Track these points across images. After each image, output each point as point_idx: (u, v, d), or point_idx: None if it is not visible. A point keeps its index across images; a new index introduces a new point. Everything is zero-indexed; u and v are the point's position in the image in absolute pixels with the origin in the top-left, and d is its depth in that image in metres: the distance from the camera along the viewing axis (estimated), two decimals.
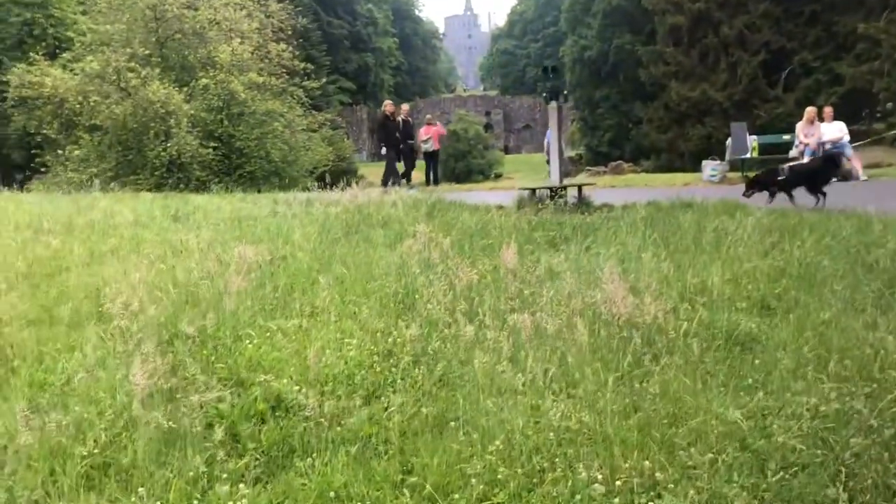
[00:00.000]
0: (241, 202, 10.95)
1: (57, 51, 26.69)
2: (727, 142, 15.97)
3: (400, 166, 19.77)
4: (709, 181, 15.33)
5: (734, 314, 4.82)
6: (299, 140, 26.19)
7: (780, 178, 10.61)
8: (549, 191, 10.11)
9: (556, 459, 3.19)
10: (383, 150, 16.23)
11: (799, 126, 15.69)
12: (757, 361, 4.13)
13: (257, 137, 22.90)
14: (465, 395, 3.82)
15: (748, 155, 16.11)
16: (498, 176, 63.26)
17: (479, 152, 48.87)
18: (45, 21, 29.81)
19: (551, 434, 3.37)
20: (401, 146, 17.92)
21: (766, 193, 10.44)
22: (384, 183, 16.31)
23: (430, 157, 19.61)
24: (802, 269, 5.75)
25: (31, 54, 24.36)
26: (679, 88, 37.67)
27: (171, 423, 3.42)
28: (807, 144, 15.06)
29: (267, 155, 23.00)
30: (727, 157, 16.57)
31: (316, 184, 25.19)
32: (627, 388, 3.79)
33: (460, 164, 45.12)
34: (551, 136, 10.36)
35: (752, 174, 11.84)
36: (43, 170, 23.73)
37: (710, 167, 15.49)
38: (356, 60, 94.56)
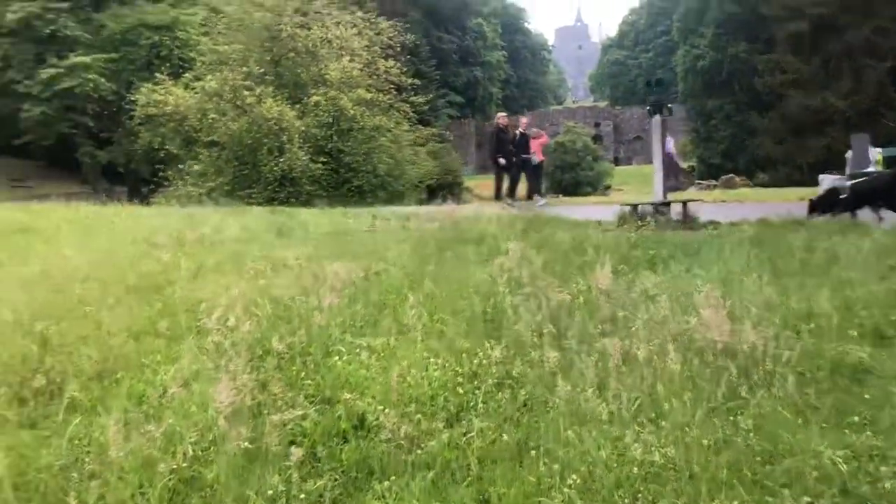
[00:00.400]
0: (343, 217, 11.20)
1: (181, 70, 28.28)
2: (847, 154, 15.01)
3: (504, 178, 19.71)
4: None
5: (843, 343, 4.49)
6: (405, 154, 26.68)
7: (841, 197, 10.04)
8: (651, 206, 9.82)
9: (639, 496, 3.06)
10: (502, 162, 15.83)
11: None
12: (867, 396, 3.83)
13: (365, 152, 23.46)
14: (547, 422, 3.73)
15: (872, 168, 15.09)
16: (607, 188, 62.27)
17: (587, 164, 48.27)
18: (171, 43, 31.69)
19: (635, 468, 3.23)
20: (513, 160, 17.46)
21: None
22: (496, 197, 16.13)
23: (535, 168, 19.47)
24: None
25: (157, 74, 25.97)
26: (798, 97, 36.00)
27: (251, 441, 3.49)
28: None
29: (374, 169, 23.51)
30: (847, 170, 15.58)
31: (423, 196, 25.72)
32: (719, 422, 3.59)
33: (568, 175, 44.65)
34: (655, 149, 10.08)
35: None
36: (166, 183, 25.19)
37: (827, 181, 14.61)
38: (465, 74, 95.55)
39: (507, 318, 5.19)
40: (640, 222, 9.17)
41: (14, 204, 17.07)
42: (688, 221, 9.35)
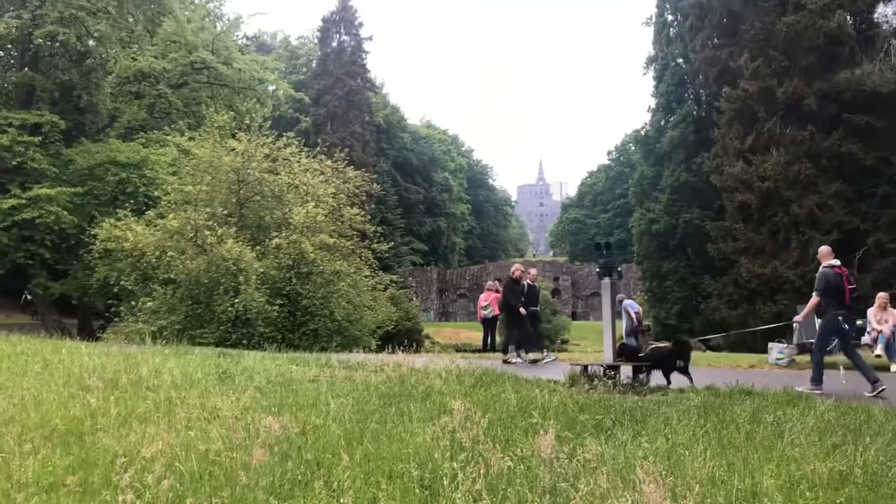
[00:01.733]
0: (290, 364, 10.94)
1: (145, 207, 28.42)
2: (794, 324, 15.34)
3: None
4: (775, 364, 14.64)
5: None
6: (364, 299, 26.66)
7: (640, 355, 11.11)
8: (601, 367, 9.79)
9: None
10: (522, 312, 15.61)
11: (870, 312, 15.08)
12: None
13: (323, 296, 23.39)
14: None
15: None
16: (564, 342, 62.61)
17: (545, 317, 48.70)
18: (138, 180, 31.99)
19: None
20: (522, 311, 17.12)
21: None
22: (504, 350, 15.87)
23: (490, 323, 19.49)
24: (868, 476, 5.23)
25: (120, 210, 26.06)
26: (749, 265, 37.25)
27: None
28: (880, 331, 14.41)
29: (331, 314, 23.34)
30: (795, 339, 15.90)
31: (379, 342, 25.45)
32: None
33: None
34: (604, 314, 10.19)
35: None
36: (117, 319, 24.60)
37: (776, 349, 14.84)
38: (430, 224, 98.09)
39: (444, 485, 4.97)
40: (588, 384, 9.10)
41: None
42: (638, 385, 9.31)
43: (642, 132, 62.35)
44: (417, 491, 5.01)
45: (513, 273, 15.93)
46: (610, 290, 10.08)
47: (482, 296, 19.73)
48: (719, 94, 41.61)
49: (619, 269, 10.66)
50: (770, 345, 15.26)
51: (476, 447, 5.61)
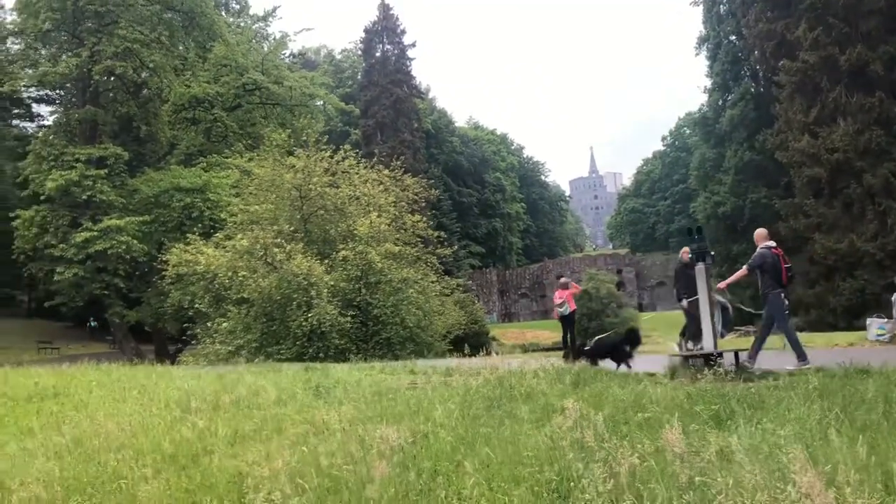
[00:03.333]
0: (381, 374, 10.86)
1: (211, 230, 28.93)
2: (893, 297, 14.59)
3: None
4: (876, 341, 13.95)
5: None
6: (433, 305, 26.59)
7: (585, 349, 12.03)
8: (703, 357, 9.41)
9: None
10: (683, 303, 14.54)
11: None
12: None
13: (393, 304, 23.36)
14: None
15: None
16: None
17: (612, 311, 47.88)
18: (202, 204, 32.64)
19: None
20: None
21: None
22: (685, 338, 14.77)
23: (567, 320, 19.05)
24: None
25: (189, 235, 26.56)
26: (824, 241, 35.92)
27: None
28: None
29: (402, 321, 23.30)
30: (894, 313, 15.11)
31: (446, 348, 25.37)
32: None
33: (594, 323, 44.13)
34: (701, 299, 9.80)
35: None
36: (193, 342, 25.03)
37: (876, 325, 14.13)
38: (485, 226, 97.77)
39: (575, 486, 4.75)
40: (694, 373, 8.75)
41: (43, 367, 16.91)
42: (743, 372, 8.92)
43: (699, 114, 60.93)
44: (546, 495, 4.80)
45: (682, 256, 14.80)
46: (705, 276, 9.71)
47: (556, 293, 19.32)
48: (777, 69, 40.37)
49: (711, 253, 10.28)
50: (868, 321, 14.57)
51: (601, 445, 5.38)
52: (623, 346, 11.64)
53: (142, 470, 5.62)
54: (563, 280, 20.19)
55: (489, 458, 5.60)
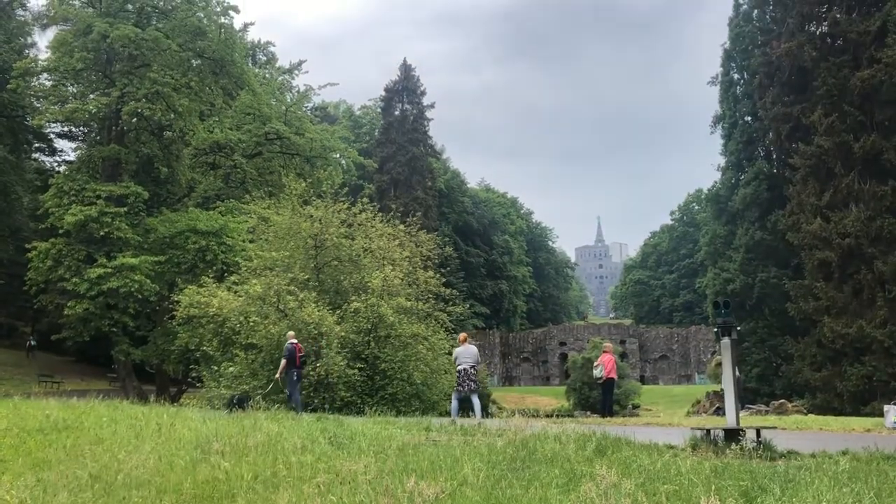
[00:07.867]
0: (395, 428, 10.77)
1: (224, 274, 29.00)
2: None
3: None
4: (893, 428, 13.80)
5: None
6: (441, 363, 26.41)
7: None
8: (724, 431, 9.33)
9: None
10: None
11: None
12: None
13: (401, 360, 23.21)
14: None
15: None
16: (636, 406, 60.78)
17: (616, 382, 47.47)
18: (217, 248, 32.79)
19: None
20: None
21: None
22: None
23: (605, 386, 19.62)
24: None
25: (203, 277, 26.63)
26: (833, 324, 35.83)
27: None
28: None
29: (409, 377, 23.11)
30: None
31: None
32: None
33: (595, 392, 43.71)
34: (724, 374, 9.77)
35: None
36: (198, 384, 24.83)
37: (893, 412, 14.01)
38: (491, 287, 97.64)
39: None
40: (716, 448, 8.65)
41: (48, 400, 16.78)
42: (765, 449, 8.82)
43: (712, 191, 61.45)
44: None
45: None
46: (730, 351, 9.69)
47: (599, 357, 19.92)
48: (791, 151, 40.95)
49: (737, 328, 10.26)
50: (886, 408, 14.42)
51: None
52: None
53: None
54: (606, 345, 20.75)
55: None
